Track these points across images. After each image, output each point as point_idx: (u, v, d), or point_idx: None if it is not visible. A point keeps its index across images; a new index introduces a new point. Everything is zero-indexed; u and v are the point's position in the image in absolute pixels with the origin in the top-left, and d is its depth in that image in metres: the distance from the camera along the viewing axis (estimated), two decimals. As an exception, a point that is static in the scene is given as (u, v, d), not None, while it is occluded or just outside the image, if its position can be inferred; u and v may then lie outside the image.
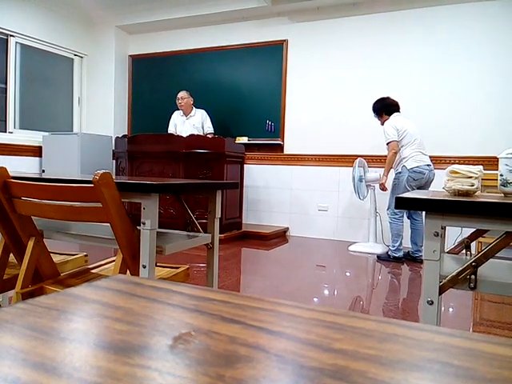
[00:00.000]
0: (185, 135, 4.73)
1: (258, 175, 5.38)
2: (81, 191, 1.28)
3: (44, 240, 1.55)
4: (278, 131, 5.28)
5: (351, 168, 4.36)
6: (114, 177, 1.30)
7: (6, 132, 5.19)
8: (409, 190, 3.58)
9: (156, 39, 5.99)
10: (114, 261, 1.67)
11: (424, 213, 1.12)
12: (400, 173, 3.80)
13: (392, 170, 3.89)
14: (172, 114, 5.26)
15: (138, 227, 1.39)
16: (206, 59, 5.66)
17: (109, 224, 1.29)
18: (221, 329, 0.35)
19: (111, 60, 5.98)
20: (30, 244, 1.47)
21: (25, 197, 1.41)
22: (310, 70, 5.13)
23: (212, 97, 5.50)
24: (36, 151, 5.37)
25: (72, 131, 5.85)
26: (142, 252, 1.38)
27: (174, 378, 0.27)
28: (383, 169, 3.96)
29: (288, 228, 5.25)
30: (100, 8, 5.72)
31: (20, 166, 5.04)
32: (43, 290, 1.48)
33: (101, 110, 6.06)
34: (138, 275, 1.37)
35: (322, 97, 5.06)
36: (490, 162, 3.88)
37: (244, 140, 5.30)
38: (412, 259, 3.90)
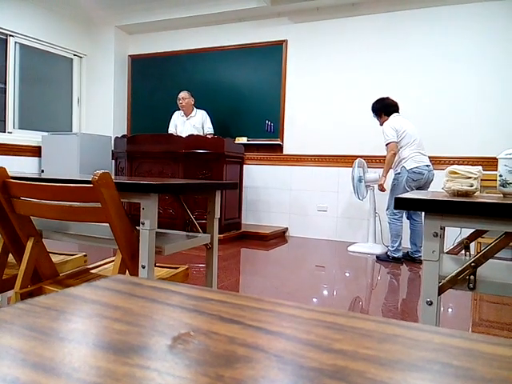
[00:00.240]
0: (185, 135, 4.73)
1: (257, 175, 5.38)
2: (80, 191, 1.27)
3: (43, 240, 1.55)
4: (278, 131, 5.28)
5: (351, 168, 4.36)
6: (113, 177, 1.30)
7: (5, 132, 5.18)
8: (408, 191, 3.58)
9: (156, 39, 5.99)
10: (113, 261, 1.67)
11: (423, 213, 1.12)
12: (399, 173, 3.80)
13: (391, 170, 3.90)
14: (172, 114, 5.26)
15: (137, 227, 1.39)
16: (205, 59, 5.66)
17: (108, 224, 1.29)
18: (220, 329, 0.35)
19: (111, 60, 5.98)
20: (29, 244, 1.47)
21: (24, 197, 1.40)
22: (309, 71, 5.13)
23: (212, 97, 5.50)
24: (35, 151, 5.36)
25: (71, 131, 5.85)
26: (141, 252, 1.38)
27: (174, 378, 0.27)
28: (382, 169, 3.97)
29: (287, 228, 5.25)
30: (99, 8, 5.72)
31: (19, 166, 5.03)
32: (42, 290, 1.48)
33: (100, 110, 6.05)
34: (138, 275, 1.37)
35: (322, 97, 5.06)
36: (490, 163, 3.88)
37: (243, 140, 5.30)
38: (411, 259, 3.90)
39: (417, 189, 3.69)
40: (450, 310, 2.64)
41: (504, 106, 4.28)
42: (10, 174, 1.42)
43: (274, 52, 5.27)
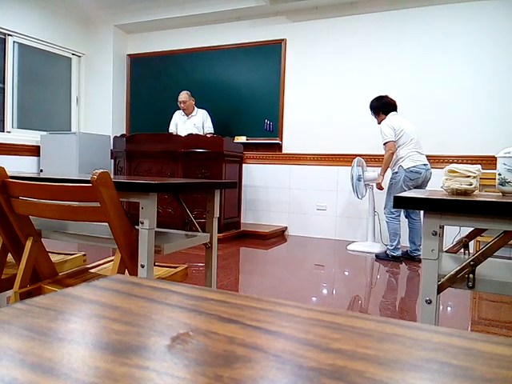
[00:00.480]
0: (185, 134, 4.73)
1: (256, 174, 5.38)
2: (79, 191, 1.27)
3: (42, 240, 1.55)
4: (277, 130, 5.28)
5: (350, 167, 4.36)
6: (112, 176, 1.30)
7: (3, 131, 5.17)
8: (405, 190, 3.58)
9: (154, 38, 5.98)
10: (112, 260, 1.67)
11: (422, 212, 1.12)
12: (397, 173, 3.80)
13: (389, 169, 3.90)
14: (173, 113, 5.25)
15: (136, 227, 1.39)
16: (204, 58, 5.65)
17: (107, 223, 1.29)
18: (219, 329, 0.35)
19: (109, 59, 5.97)
20: (28, 244, 1.47)
21: (23, 196, 1.40)
22: (308, 69, 5.13)
23: (210, 96, 5.49)
24: (34, 151, 5.36)
25: (70, 131, 5.84)
26: (141, 251, 1.38)
27: (172, 378, 0.27)
28: (380, 168, 3.97)
29: (286, 227, 5.25)
30: (98, 7, 5.71)
31: (18, 166, 5.03)
32: (41, 289, 1.48)
33: (99, 109, 6.05)
34: (137, 275, 1.37)
35: (321, 96, 5.06)
36: (488, 162, 3.88)
37: (242, 139, 5.30)
38: (410, 258, 3.90)
39: (414, 188, 3.70)
40: (449, 308, 2.65)
41: (503, 104, 4.28)
42: (9, 174, 1.42)
43: (273, 51, 5.27)
